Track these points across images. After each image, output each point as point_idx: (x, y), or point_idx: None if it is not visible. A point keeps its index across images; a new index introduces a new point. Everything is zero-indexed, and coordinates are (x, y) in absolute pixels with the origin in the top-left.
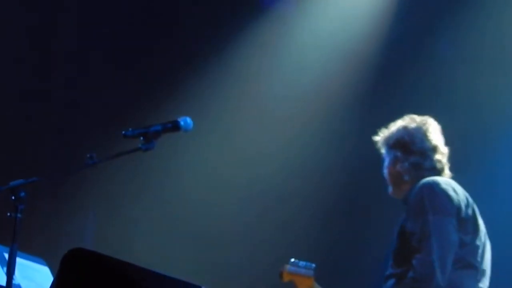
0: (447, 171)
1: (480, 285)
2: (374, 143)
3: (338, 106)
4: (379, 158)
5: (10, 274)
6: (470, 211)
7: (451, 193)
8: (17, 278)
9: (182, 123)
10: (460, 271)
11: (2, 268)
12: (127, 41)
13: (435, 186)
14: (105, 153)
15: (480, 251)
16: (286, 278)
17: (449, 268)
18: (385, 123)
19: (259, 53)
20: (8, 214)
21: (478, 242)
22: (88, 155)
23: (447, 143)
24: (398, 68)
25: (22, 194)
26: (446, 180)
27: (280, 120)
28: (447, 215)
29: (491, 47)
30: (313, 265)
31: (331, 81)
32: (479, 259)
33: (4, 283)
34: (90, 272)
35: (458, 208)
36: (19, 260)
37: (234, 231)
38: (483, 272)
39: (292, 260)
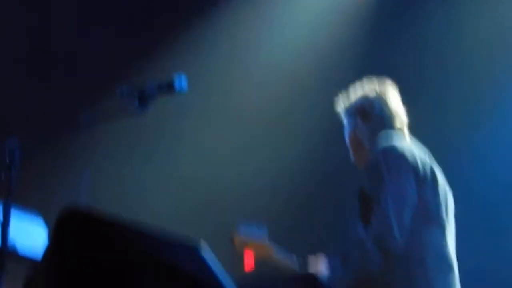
0: (407, 137)
1: (448, 238)
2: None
3: (330, 73)
4: None
5: (5, 230)
6: (428, 170)
7: (407, 155)
8: (12, 233)
9: (177, 85)
10: (425, 227)
11: None
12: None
13: (391, 150)
14: (99, 113)
15: (443, 207)
16: (239, 244)
17: (407, 224)
18: None
19: (251, 17)
20: (3, 170)
21: (440, 199)
22: (83, 118)
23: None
24: (390, 32)
25: (17, 149)
26: (403, 144)
27: (271, 85)
28: (402, 175)
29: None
30: (264, 226)
31: (321, 44)
32: (442, 215)
33: None
34: (86, 229)
35: (415, 168)
36: (13, 215)
37: (230, 190)
38: (448, 228)
39: (242, 222)
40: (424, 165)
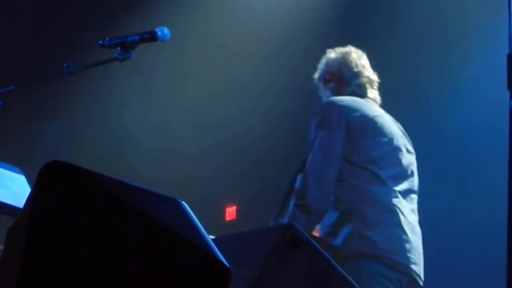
0: (370, 95)
1: (396, 188)
2: None
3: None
4: None
5: None
6: (372, 124)
7: (343, 108)
8: None
9: (159, 33)
10: (366, 178)
11: None
12: None
13: (328, 103)
14: (81, 63)
15: (390, 159)
16: None
17: (328, 181)
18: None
19: None
20: None
21: (387, 151)
22: (64, 65)
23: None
24: None
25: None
26: (347, 98)
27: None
28: (331, 129)
29: None
30: None
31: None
32: (388, 166)
33: None
34: (68, 186)
35: (351, 120)
36: None
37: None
38: (398, 178)
39: None
40: (364, 115)
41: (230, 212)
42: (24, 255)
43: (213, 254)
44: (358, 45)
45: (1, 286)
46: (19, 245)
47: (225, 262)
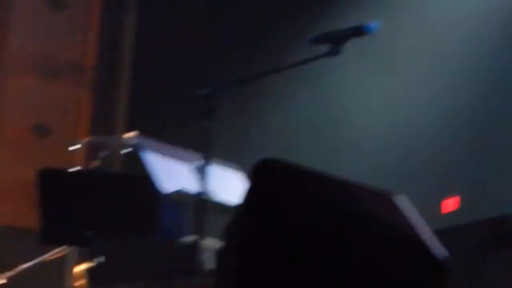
0: None
1: None
2: None
3: None
4: None
5: (204, 179)
6: None
7: None
8: (211, 183)
9: (369, 27)
10: None
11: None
12: None
13: None
14: (290, 59)
15: None
16: None
17: None
18: None
19: None
20: (201, 121)
21: None
22: (274, 62)
23: None
24: None
25: (215, 101)
26: None
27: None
28: None
29: None
30: None
31: None
32: None
33: (198, 189)
34: (283, 183)
35: None
36: (213, 167)
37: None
38: None
39: None
40: None
41: (452, 203)
42: (240, 253)
43: (429, 250)
44: None
45: (222, 280)
46: (235, 242)
47: (440, 258)
